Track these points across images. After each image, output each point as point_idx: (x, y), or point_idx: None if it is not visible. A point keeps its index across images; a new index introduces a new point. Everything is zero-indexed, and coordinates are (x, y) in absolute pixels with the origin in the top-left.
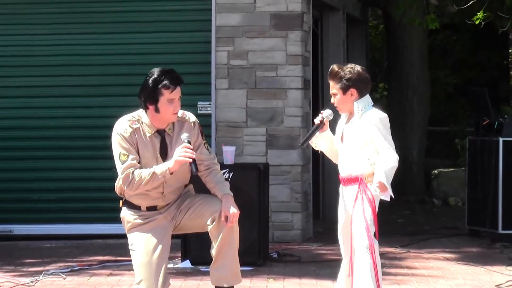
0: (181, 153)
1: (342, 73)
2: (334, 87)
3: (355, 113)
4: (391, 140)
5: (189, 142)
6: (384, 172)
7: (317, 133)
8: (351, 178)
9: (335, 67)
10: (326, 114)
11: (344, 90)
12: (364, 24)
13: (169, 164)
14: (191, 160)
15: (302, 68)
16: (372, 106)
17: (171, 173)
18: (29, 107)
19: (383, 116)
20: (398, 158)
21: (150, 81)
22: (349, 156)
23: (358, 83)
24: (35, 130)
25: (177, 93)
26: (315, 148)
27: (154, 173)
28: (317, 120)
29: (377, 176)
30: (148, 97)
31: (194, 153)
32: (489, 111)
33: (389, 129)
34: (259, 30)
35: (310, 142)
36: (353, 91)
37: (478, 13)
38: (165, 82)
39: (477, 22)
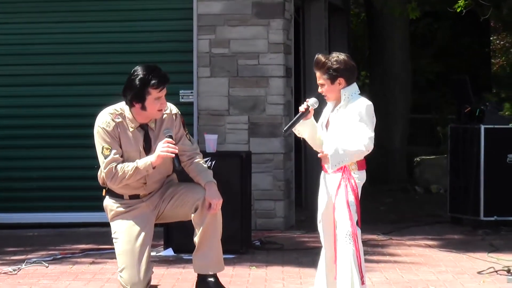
0: (163, 148)
1: (329, 63)
2: (321, 78)
3: (341, 100)
4: (371, 128)
5: (170, 136)
6: (340, 149)
7: (301, 120)
8: None
9: (321, 57)
10: (311, 102)
11: (332, 80)
12: (346, 12)
13: (151, 158)
14: (173, 155)
15: (284, 56)
16: (359, 94)
17: (154, 168)
18: (12, 96)
19: (369, 104)
20: (371, 147)
21: (137, 80)
22: (332, 141)
23: (345, 72)
24: (17, 119)
25: (164, 91)
26: (298, 135)
27: (137, 167)
28: (302, 108)
29: (329, 148)
30: (135, 96)
31: (177, 148)
32: (470, 98)
33: (373, 118)
34: (240, 18)
35: (293, 129)
36: (341, 80)
37: (460, 1)
38: (153, 81)
39: (458, 10)
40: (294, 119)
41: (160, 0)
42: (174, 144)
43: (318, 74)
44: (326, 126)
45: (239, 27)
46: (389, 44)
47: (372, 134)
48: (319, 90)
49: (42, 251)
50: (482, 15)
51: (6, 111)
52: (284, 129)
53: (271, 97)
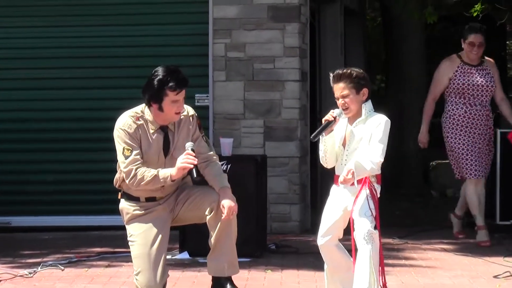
0: (183, 160)
1: (354, 74)
2: (345, 88)
3: (362, 114)
4: (385, 145)
5: (192, 150)
6: (362, 166)
7: (325, 132)
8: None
9: (341, 70)
10: (337, 112)
11: (358, 89)
12: (362, 16)
13: (172, 171)
14: (192, 166)
15: (299, 60)
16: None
17: (173, 181)
18: (28, 99)
19: (388, 120)
20: (380, 164)
21: (156, 81)
22: (354, 156)
23: (368, 84)
24: (32, 123)
25: (182, 94)
26: (324, 144)
27: (156, 176)
28: (329, 117)
29: (354, 165)
30: (153, 97)
31: (196, 159)
32: None
33: (388, 135)
34: (256, 22)
35: (320, 136)
36: (365, 91)
37: (476, 5)
38: (171, 84)
39: (474, 14)
40: (322, 126)
41: (175, 4)
42: (194, 156)
43: (341, 85)
44: (343, 144)
45: (255, 31)
46: (405, 48)
47: (384, 151)
48: (340, 102)
49: (57, 254)
50: (498, 19)
51: (21, 115)
52: (313, 135)
53: (286, 101)
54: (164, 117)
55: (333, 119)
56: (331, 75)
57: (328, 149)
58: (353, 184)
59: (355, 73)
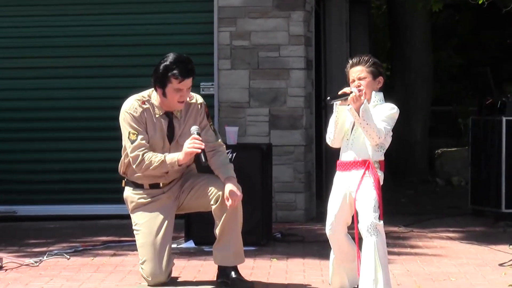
0: (189, 144)
1: (373, 60)
2: (363, 71)
3: (371, 102)
4: (390, 128)
5: (198, 134)
6: (371, 114)
7: (339, 103)
8: (358, 161)
9: (360, 56)
10: (355, 90)
11: (375, 76)
12: (367, 4)
13: (179, 156)
14: (199, 151)
15: (304, 48)
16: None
17: (180, 165)
18: (34, 89)
19: (397, 109)
20: (383, 139)
21: (162, 66)
22: (360, 141)
23: (384, 75)
24: (38, 112)
25: (186, 84)
26: (336, 115)
27: (163, 161)
28: (346, 89)
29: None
30: (157, 81)
31: (203, 144)
32: (492, 90)
33: (394, 123)
34: (261, 10)
35: (336, 103)
36: (381, 79)
37: None
38: (175, 71)
39: (480, 2)
40: (339, 94)
41: None
42: (200, 141)
43: (359, 68)
44: (351, 127)
45: (260, 19)
46: (411, 36)
47: (390, 130)
48: (355, 84)
49: (63, 243)
50: (504, 7)
51: (28, 104)
52: (329, 97)
53: (291, 89)
54: (168, 103)
55: (350, 92)
56: (350, 60)
57: (340, 120)
58: (358, 102)
59: (374, 60)
